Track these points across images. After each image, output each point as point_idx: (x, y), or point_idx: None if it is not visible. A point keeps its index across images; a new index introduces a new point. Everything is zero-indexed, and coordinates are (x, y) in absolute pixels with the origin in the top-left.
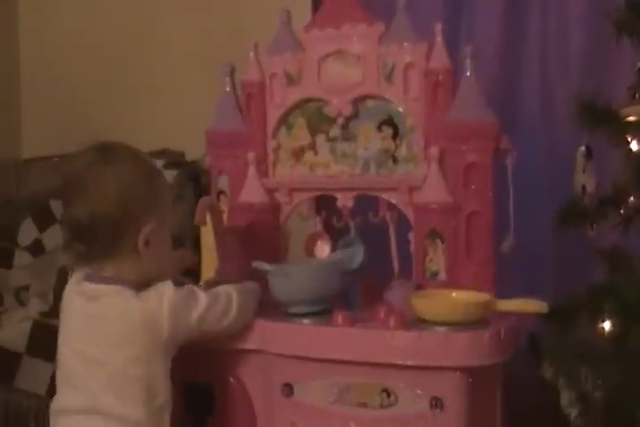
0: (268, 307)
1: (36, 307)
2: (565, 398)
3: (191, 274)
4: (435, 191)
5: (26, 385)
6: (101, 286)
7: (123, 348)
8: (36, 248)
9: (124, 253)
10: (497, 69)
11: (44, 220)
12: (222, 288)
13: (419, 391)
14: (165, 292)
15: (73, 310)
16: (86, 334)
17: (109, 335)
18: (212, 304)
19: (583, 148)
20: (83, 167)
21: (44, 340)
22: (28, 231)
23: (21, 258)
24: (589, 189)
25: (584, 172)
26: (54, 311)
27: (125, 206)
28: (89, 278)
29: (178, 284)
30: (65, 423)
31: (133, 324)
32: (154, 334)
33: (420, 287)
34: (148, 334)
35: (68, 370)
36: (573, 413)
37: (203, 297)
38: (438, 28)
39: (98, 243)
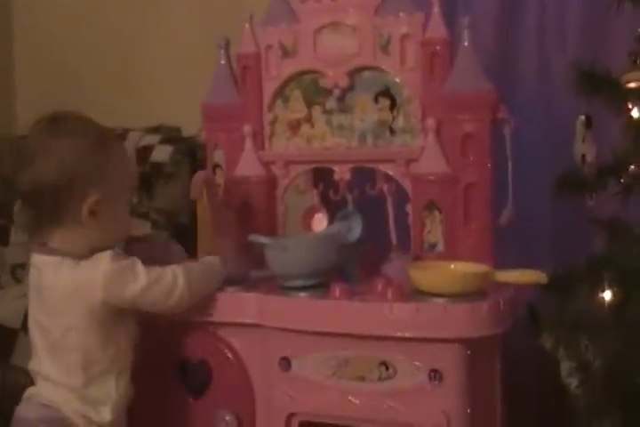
0: (265, 280)
1: None
2: (565, 368)
3: (188, 248)
4: (432, 162)
5: (22, 362)
6: (45, 258)
7: (61, 317)
8: None
9: (70, 223)
10: (494, 38)
11: None
12: (169, 268)
13: (417, 364)
14: (102, 261)
15: (29, 281)
16: (36, 303)
17: (51, 305)
18: (153, 284)
19: (583, 116)
20: (31, 138)
21: None
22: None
23: (17, 235)
24: (589, 158)
25: (584, 141)
26: None
27: (68, 177)
28: (36, 250)
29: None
30: (33, 386)
31: (68, 292)
32: (87, 302)
33: (417, 259)
34: (81, 303)
35: (30, 338)
36: (573, 383)
37: (142, 273)
38: None
39: (43, 211)
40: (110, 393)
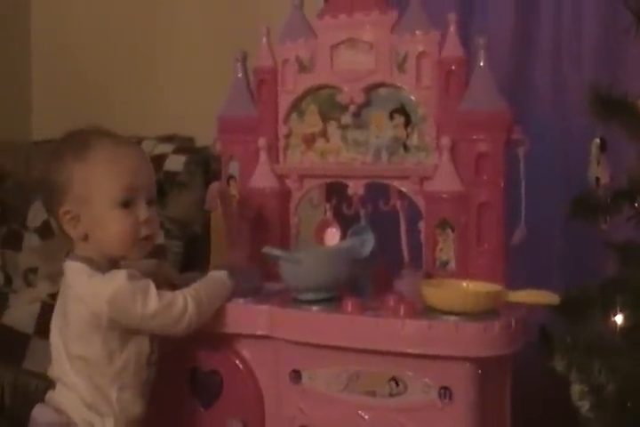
0: (277, 293)
1: (45, 289)
2: (577, 391)
3: (200, 258)
4: (446, 181)
5: (34, 366)
6: (69, 262)
7: (71, 324)
8: (45, 231)
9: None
10: (509, 59)
11: None
12: (180, 293)
13: (428, 381)
14: (115, 280)
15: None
16: (60, 307)
17: (65, 310)
18: (164, 310)
19: (598, 139)
20: None
21: None
22: (37, 214)
23: (30, 240)
24: (603, 181)
25: (598, 164)
26: None
27: (47, 190)
28: (67, 256)
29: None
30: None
31: (78, 300)
32: (93, 314)
33: (429, 277)
34: (88, 314)
35: (51, 342)
36: (585, 406)
37: (153, 298)
38: (452, 17)
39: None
40: (112, 406)
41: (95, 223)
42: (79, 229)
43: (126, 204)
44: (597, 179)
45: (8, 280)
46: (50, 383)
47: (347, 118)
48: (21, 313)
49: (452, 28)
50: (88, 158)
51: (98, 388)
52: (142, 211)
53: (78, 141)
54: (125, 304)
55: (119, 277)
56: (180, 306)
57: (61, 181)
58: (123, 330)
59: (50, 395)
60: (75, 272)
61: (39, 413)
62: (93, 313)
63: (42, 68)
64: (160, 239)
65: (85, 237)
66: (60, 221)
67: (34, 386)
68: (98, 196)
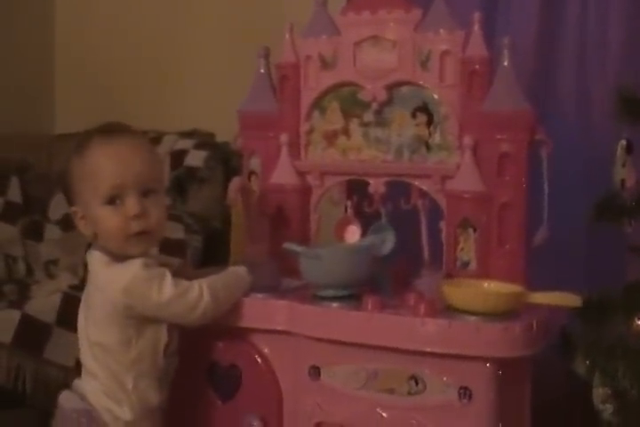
0: (297, 289)
1: (66, 280)
2: (599, 394)
3: (220, 252)
4: (468, 180)
5: (55, 356)
6: (90, 251)
7: (92, 311)
8: (66, 223)
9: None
10: (533, 59)
11: None
12: (196, 282)
13: (447, 380)
14: (131, 268)
15: None
16: (85, 295)
17: (88, 298)
18: (179, 297)
19: (624, 141)
20: None
21: (74, 313)
22: (58, 206)
23: (52, 232)
24: (628, 183)
25: (624, 166)
26: (84, 285)
27: (63, 189)
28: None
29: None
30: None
31: (96, 287)
32: (109, 302)
33: (449, 276)
34: (105, 301)
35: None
36: (608, 409)
37: (169, 285)
38: (477, 16)
39: None
40: (129, 394)
41: (94, 222)
42: (88, 227)
43: (112, 200)
44: (622, 181)
45: (30, 271)
46: (70, 373)
47: (369, 116)
48: (43, 304)
49: (476, 28)
50: (83, 158)
51: (115, 375)
52: (131, 206)
53: (83, 140)
54: (141, 291)
55: (135, 265)
56: (196, 294)
57: (69, 181)
58: (139, 318)
59: (76, 382)
60: (95, 260)
61: (66, 399)
62: (110, 301)
63: (65, 62)
64: (180, 234)
65: (95, 236)
66: (74, 219)
67: (54, 376)
68: (90, 195)
